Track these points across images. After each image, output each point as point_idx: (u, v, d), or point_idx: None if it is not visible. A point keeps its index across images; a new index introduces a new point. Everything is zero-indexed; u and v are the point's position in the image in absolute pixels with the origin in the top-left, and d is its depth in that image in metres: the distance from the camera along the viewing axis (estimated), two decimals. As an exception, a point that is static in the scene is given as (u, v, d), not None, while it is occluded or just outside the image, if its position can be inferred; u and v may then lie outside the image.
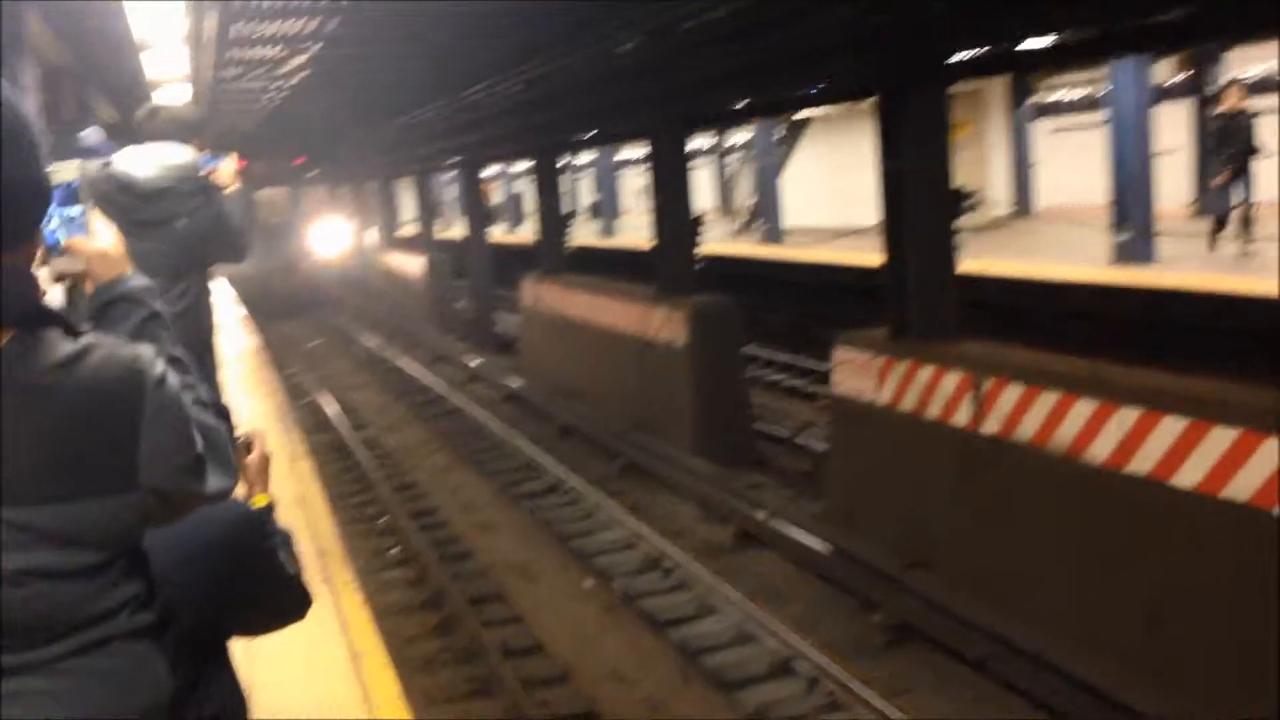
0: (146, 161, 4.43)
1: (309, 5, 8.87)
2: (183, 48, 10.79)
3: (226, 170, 5.18)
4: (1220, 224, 13.32)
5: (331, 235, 30.41)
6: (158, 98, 13.66)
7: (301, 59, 11.70)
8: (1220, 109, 13.68)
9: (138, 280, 1.88)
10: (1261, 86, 21.38)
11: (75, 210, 1.97)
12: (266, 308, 25.05)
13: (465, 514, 10.54)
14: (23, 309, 1.46)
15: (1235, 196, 13.05)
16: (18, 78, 7.71)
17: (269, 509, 2.08)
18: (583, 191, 35.50)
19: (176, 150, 4.66)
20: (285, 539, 2.08)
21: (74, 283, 1.91)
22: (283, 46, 10.94)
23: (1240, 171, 12.94)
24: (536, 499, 10.60)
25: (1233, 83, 14.32)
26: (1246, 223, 12.98)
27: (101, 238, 1.94)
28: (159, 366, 1.53)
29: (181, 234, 4.42)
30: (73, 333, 1.50)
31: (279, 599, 2.08)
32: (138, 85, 13.90)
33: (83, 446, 1.43)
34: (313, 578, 5.40)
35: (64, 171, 1.77)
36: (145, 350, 1.55)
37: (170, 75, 12.27)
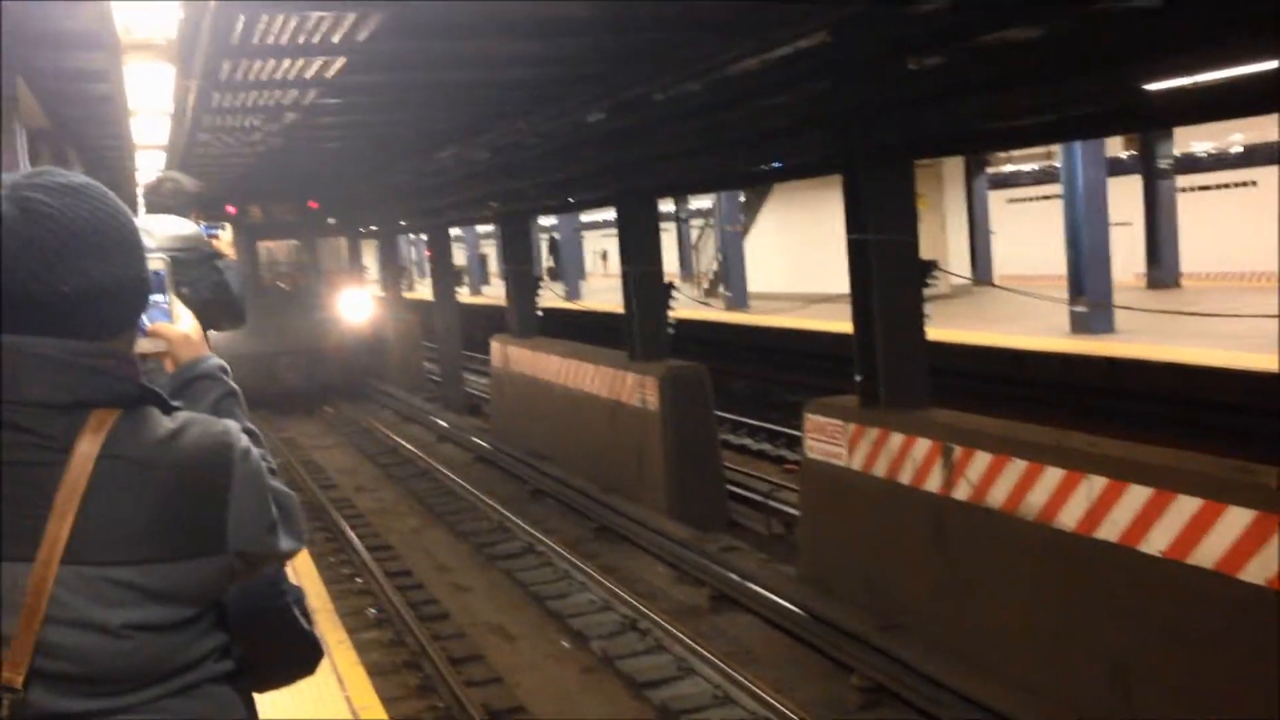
0: (153, 234, 4.63)
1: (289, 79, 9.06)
2: (164, 117, 10.94)
3: (224, 241, 5.38)
4: None
5: (355, 298, 22.99)
6: (141, 161, 13.81)
7: (277, 126, 11.91)
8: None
9: (215, 360, 2.08)
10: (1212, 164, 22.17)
11: (159, 297, 2.14)
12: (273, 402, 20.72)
13: (441, 575, 10.61)
14: (128, 391, 1.63)
15: None
16: (13, 143, 7.84)
17: (282, 568, 2.24)
18: (542, 253, 35.77)
19: (178, 223, 4.86)
20: (298, 595, 2.21)
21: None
22: (260, 117, 11.17)
23: None
24: (511, 560, 10.70)
25: None
26: None
27: (184, 322, 2.14)
28: (243, 440, 1.70)
29: (185, 304, 4.60)
30: (168, 410, 1.68)
31: (294, 653, 2.19)
32: (117, 149, 14.03)
33: (181, 513, 1.59)
34: (320, 636, 5.51)
35: (151, 261, 1.95)
36: (232, 425, 1.72)
37: (151, 141, 12.42)
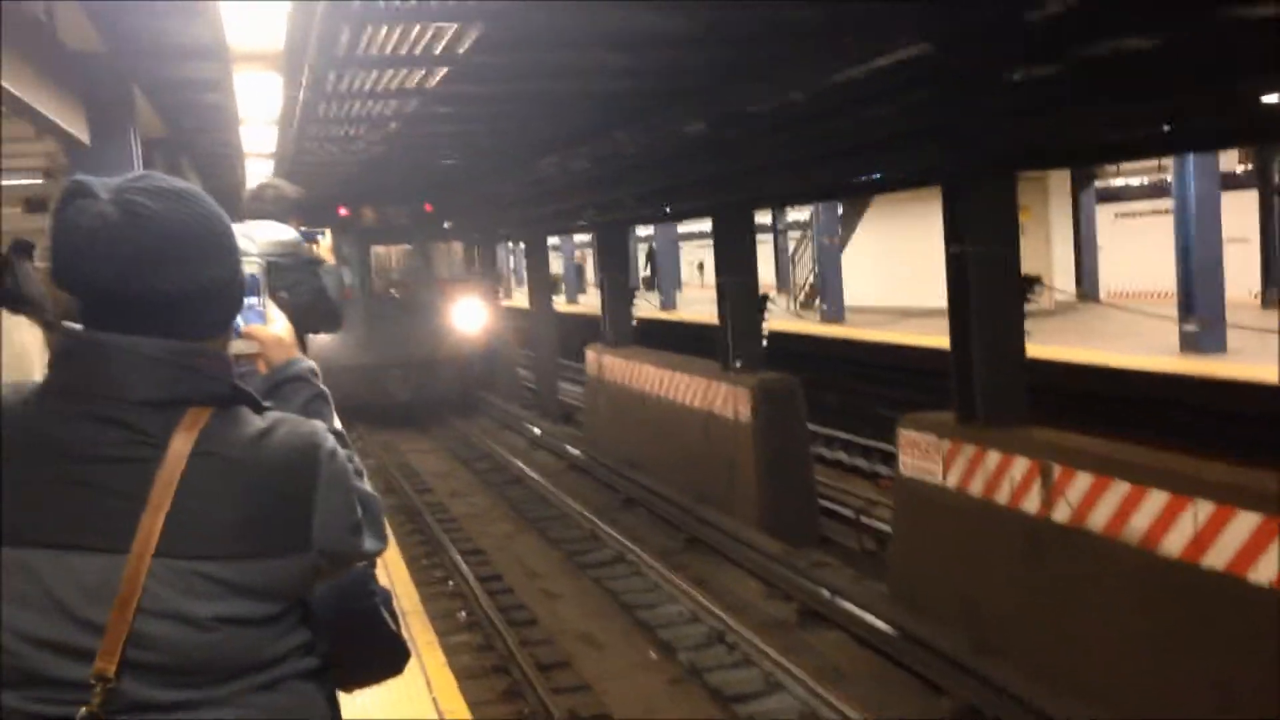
0: (253, 240, 4.75)
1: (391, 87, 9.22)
2: (271, 126, 11.21)
3: (322, 247, 5.48)
4: None
5: (470, 307, 21.24)
6: (249, 168, 14.17)
7: (380, 134, 12.14)
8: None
9: (306, 363, 2.13)
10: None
11: (254, 300, 2.19)
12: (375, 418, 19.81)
13: (531, 581, 10.69)
14: (222, 390, 1.67)
15: None
16: (129, 151, 8.11)
17: (371, 569, 2.27)
18: (639, 262, 35.87)
19: (278, 229, 4.98)
20: (386, 597, 2.24)
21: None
22: (364, 125, 11.40)
23: None
24: (601, 568, 10.73)
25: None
26: None
27: (276, 325, 2.19)
28: (330, 441, 1.72)
29: (283, 308, 4.72)
30: (259, 410, 1.72)
31: (381, 654, 2.23)
32: (227, 156, 14.43)
33: (269, 511, 1.63)
34: (407, 638, 5.58)
35: (247, 265, 1.99)
36: (319, 426, 1.75)
37: (259, 149, 12.75)
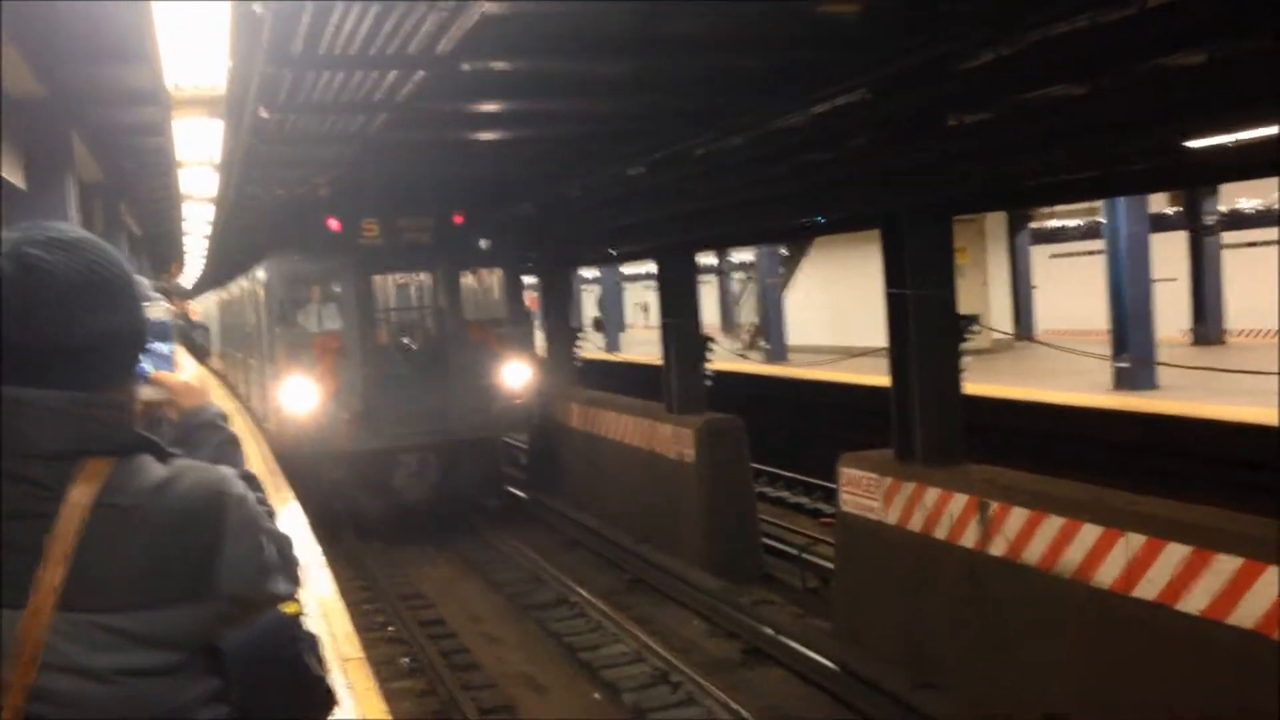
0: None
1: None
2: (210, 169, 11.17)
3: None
4: None
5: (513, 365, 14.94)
6: (187, 210, 14.09)
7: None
8: None
9: (216, 408, 2.12)
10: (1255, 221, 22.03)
11: (163, 346, 2.18)
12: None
13: (473, 625, 10.62)
14: (123, 439, 1.67)
15: None
16: (65, 196, 8.06)
17: (297, 615, 2.26)
18: (584, 305, 35.93)
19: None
20: (312, 643, 2.21)
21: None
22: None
23: None
24: (544, 610, 10.69)
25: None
26: None
27: (186, 371, 2.15)
28: (239, 487, 1.73)
29: None
30: (164, 458, 1.70)
31: (304, 701, 2.19)
32: (166, 199, 14.34)
33: (173, 560, 1.62)
34: (335, 683, 5.51)
35: (154, 310, 1.98)
36: (228, 472, 1.75)
37: (198, 193, 12.69)
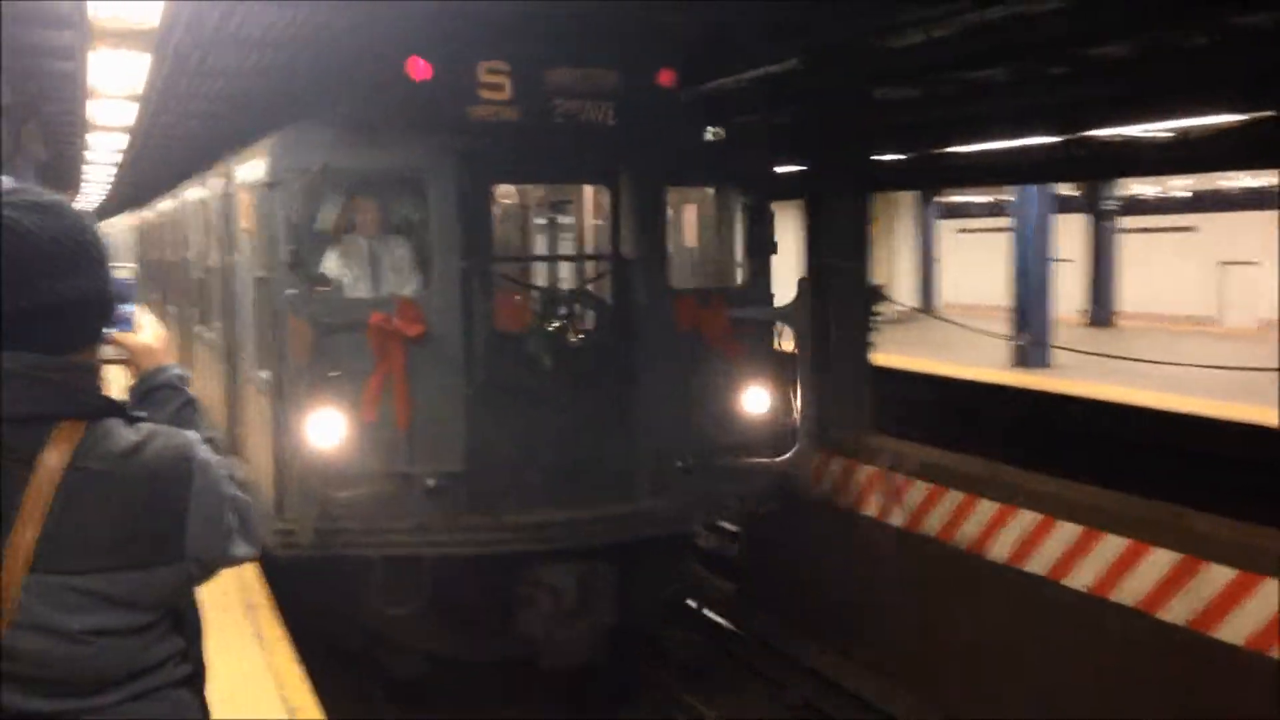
0: None
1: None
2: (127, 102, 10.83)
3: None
4: None
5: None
6: (93, 140, 13.67)
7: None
8: None
9: (177, 370, 2.12)
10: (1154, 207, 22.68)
11: (126, 307, 2.17)
12: None
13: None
14: (92, 404, 1.70)
15: None
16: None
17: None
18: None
19: None
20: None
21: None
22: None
23: None
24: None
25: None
26: None
27: (145, 332, 2.15)
28: (203, 452, 1.77)
29: None
30: (131, 421, 1.74)
31: None
32: (76, 128, 13.87)
33: (142, 524, 1.67)
34: (244, 633, 5.45)
35: (118, 271, 1.98)
36: (192, 437, 1.79)
37: (111, 123, 12.30)
